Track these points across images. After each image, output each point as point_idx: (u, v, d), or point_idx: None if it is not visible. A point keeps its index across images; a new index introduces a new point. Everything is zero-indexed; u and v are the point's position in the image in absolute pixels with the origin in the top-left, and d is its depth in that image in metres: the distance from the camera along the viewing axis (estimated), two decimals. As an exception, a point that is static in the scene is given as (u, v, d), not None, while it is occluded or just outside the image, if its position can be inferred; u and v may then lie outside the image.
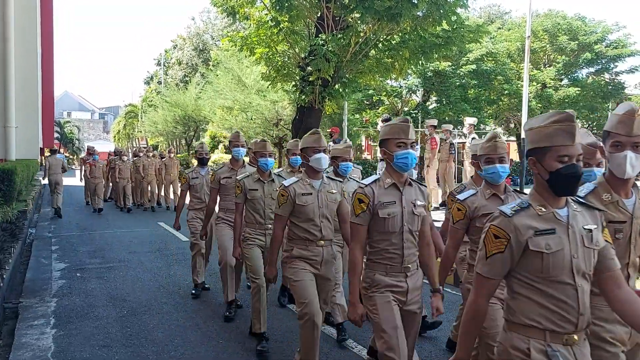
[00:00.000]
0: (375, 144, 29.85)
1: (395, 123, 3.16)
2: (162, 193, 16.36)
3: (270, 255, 4.09)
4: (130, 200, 15.74)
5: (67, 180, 16.09)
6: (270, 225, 4.54)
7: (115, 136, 64.73)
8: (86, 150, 16.14)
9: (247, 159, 10.40)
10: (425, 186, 3.37)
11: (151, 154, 16.64)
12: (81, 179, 15.43)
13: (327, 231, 3.91)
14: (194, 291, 6.39)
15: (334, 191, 3.99)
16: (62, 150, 60.68)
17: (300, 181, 3.95)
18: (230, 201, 5.46)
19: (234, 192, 4.96)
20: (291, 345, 4.70)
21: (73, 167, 58.33)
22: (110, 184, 17.13)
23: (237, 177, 4.88)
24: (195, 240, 6.43)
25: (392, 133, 3.10)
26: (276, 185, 4.65)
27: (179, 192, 15.10)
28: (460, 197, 3.49)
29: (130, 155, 18.81)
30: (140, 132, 46.72)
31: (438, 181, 11.89)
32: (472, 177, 4.30)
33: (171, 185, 15.72)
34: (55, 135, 49.45)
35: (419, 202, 3.16)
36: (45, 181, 16.51)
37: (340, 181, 4.18)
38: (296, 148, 5.53)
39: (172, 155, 16.44)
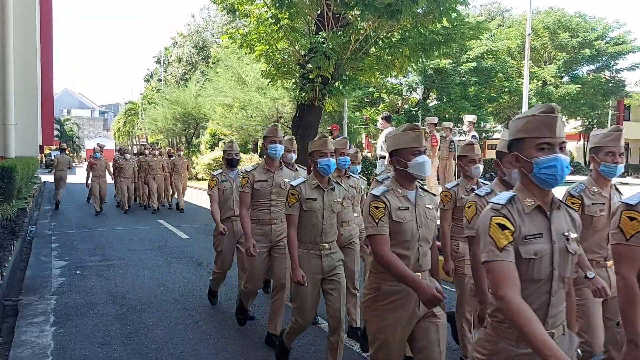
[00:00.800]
0: (375, 141, 29.83)
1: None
2: (169, 193, 15.65)
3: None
4: (131, 201, 15.13)
5: (68, 178, 16.01)
6: (327, 245, 3.94)
7: (115, 134, 64.77)
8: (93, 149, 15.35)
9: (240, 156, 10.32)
10: (435, 194, 3.28)
11: (158, 152, 15.80)
12: (87, 185, 14.51)
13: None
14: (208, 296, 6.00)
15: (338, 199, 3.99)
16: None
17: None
18: (263, 210, 4.72)
19: (268, 198, 4.60)
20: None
21: (74, 164, 58.40)
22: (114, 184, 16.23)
23: (292, 183, 3.97)
24: (221, 269, 5.76)
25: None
26: (338, 194, 3.98)
27: (180, 191, 14.80)
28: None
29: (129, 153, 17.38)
30: (140, 129, 46.68)
31: (438, 179, 11.88)
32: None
33: (180, 186, 14.94)
34: (55, 132, 49.44)
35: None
36: (51, 177, 16.76)
37: (344, 188, 4.24)
38: (344, 147, 5.04)
39: (181, 153, 15.65)
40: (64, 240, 10.09)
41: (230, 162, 5.86)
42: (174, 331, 5.06)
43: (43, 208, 15.72)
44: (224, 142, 27.20)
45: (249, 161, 21.14)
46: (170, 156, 15.75)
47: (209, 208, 5.77)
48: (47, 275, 7.30)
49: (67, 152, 17.57)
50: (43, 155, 43.23)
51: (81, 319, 5.38)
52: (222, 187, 5.68)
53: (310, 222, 3.87)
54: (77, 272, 7.51)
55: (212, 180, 5.70)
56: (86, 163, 17.44)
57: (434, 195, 3.23)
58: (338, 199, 3.96)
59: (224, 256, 5.69)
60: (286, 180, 4.61)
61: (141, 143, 45.93)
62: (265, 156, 4.75)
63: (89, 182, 14.22)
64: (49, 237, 10.44)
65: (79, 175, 35.73)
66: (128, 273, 7.45)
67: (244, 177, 4.66)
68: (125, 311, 5.68)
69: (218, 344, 4.75)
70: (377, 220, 2.85)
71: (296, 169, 4.99)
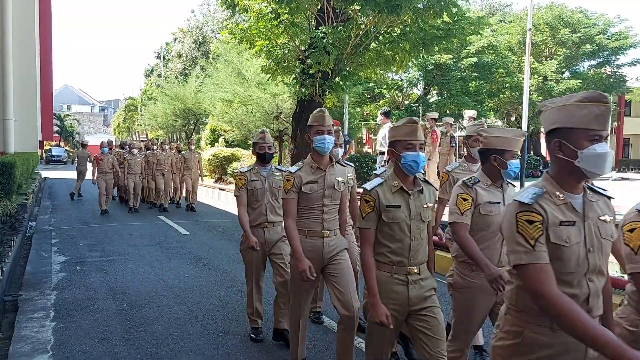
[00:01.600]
0: (375, 137, 29.83)
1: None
2: (179, 191, 14.90)
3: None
4: (139, 200, 14.14)
5: (65, 174, 16.04)
6: (416, 269, 3.03)
7: (115, 129, 64.71)
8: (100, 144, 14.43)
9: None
10: (436, 188, 3.31)
11: (167, 147, 14.90)
12: (93, 182, 13.64)
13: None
14: (253, 335, 4.76)
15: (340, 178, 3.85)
16: (62, 144, 60.70)
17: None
18: (314, 219, 3.80)
19: (319, 204, 3.77)
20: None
21: (74, 160, 58.37)
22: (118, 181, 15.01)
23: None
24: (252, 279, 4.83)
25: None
26: (425, 199, 3.07)
27: (191, 188, 13.97)
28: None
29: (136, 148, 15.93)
30: (140, 125, 46.65)
31: (439, 174, 11.87)
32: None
33: (191, 182, 14.07)
34: (55, 128, 49.47)
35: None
36: (50, 172, 17.25)
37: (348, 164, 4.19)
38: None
39: (192, 147, 14.78)
40: (64, 236, 10.08)
41: (263, 156, 4.76)
42: (174, 326, 5.05)
43: (43, 204, 15.71)
44: (224, 139, 27.17)
45: (248, 157, 21.12)
46: (179, 151, 14.90)
47: (235, 213, 4.83)
48: (47, 270, 7.30)
49: (65, 147, 17.68)
50: (43, 150, 43.24)
51: (81, 314, 5.38)
52: (252, 187, 4.66)
53: (394, 238, 2.97)
54: (77, 267, 7.51)
55: (240, 178, 4.71)
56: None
57: (435, 189, 3.23)
58: (428, 203, 3.08)
59: (255, 271, 4.80)
60: (339, 179, 3.83)
61: (141, 139, 45.94)
62: (311, 151, 3.85)
63: (95, 178, 13.56)
64: (49, 233, 10.44)
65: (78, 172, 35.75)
66: (128, 268, 7.44)
67: (288, 180, 3.77)
68: (125, 306, 5.68)
69: (218, 339, 4.75)
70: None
71: (345, 165, 4.19)
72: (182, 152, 14.50)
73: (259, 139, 4.80)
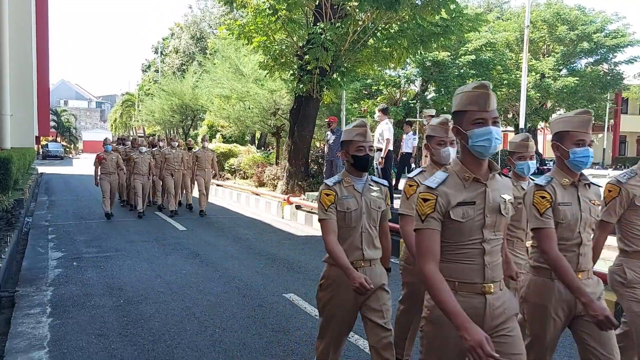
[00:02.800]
0: (372, 134, 29.81)
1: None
2: (190, 192, 13.51)
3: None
4: (145, 202, 12.69)
5: (62, 169, 15.91)
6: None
7: (112, 125, 64.53)
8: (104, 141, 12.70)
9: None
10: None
11: (176, 144, 13.13)
12: (96, 184, 12.22)
13: None
14: None
15: None
16: (58, 139, 60.52)
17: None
18: (469, 263, 2.34)
19: (477, 238, 2.32)
20: None
21: (70, 156, 58.22)
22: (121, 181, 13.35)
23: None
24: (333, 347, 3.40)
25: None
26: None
27: (204, 191, 12.51)
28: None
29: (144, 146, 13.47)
30: (138, 121, 46.54)
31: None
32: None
33: (204, 184, 12.66)
34: (52, 123, 49.32)
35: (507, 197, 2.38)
36: (47, 168, 16.56)
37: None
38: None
39: (206, 144, 13.21)
40: (61, 232, 10.06)
41: (361, 162, 3.18)
42: (171, 323, 5.05)
43: (40, 199, 15.68)
44: (221, 135, 27.13)
45: (246, 153, 21.08)
46: (189, 148, 13.53)
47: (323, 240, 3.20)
48: (44, 266, 7.28)
49: (62, 142, 17.10)
50: (39, 146, 43.12)
51: (78, 311, 5.37)
52: (345, 207, 3.16)
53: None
54: (74, 263, 7.49)
55: (327, 194, 3.16)
56: (82, 155, 17.15)
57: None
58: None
59: (339, 329, 3.32)
60: (506, 197, 2.39)
61: (139, 134, 45.86)
62: (460, 152, 2.43)
63: (98, 179, 12.06)
64: (45, 229, 10.41)
65: (75, 167, 35.73)
66: (125, 265, 7.43)
67: (425, 200, 2.29)
68: (122, 303, 5.67)
69: (215, 335, 4.75)
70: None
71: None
72: (195, 150, 13.11)
73: (355, 136, 3.18)
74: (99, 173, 12.04)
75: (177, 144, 13.15)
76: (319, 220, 3.21)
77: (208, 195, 13.00)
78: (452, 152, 3.40)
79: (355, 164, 3.22)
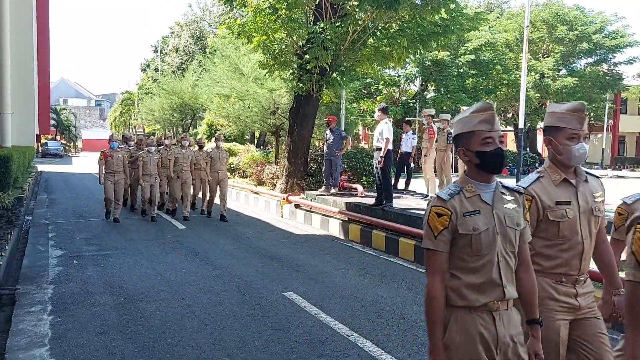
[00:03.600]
0: (372, 133, 29.86)
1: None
2: (201, 195, 12.40)
3: None
4: (156, 206, 11.64)
5: (62, 168, 15.86)
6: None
7: (111, 123, 64.51)
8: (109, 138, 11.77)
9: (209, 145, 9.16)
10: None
11: (187, 143, 12.02)
12: (101, 182, 11.15)
13: None
14: None
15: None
16: (58, 138, 60.49)
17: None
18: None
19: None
20: None
21: (70, 154, 58.20)
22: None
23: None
24: None
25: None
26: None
27: (224, 195, 11.65)
28: None
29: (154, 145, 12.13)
30: (137, 119, 46.55)
31: (435, 170, 11.89)
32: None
33: (216, 187, 11.82)
34: (52, 122, 49.28)
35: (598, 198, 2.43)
36: (47, 166, 16.37)
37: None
38: None
39: (220, 143, 12.02)
40: (61, 230, 10.08)
41: (489, 159, 2.27)
42: (171, 321, 5.08)
43: (39, 197, 15.69)
44: (222, 133, 27.13)
45: (245, 152, 21.11)
46: (200, 147, 12.31)
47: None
48: (44, 264, 7.30)
49: (61, 140, 16.85)
50: (39, 144, 43.12)
51: (78, 308, 5.40)
52: (469, 228, 2.22)
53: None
54: (74, 261, 7.52)
55: (441, 213, 2.24)
56: (82, 153, 17.09)
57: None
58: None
59: None
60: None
61: (138, 133, 45.84)
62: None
63: (102, 180, 11.09)
64: (45, 227, 10.43)
65: (75, 165, 35.72)
66: (125, 263, 7.46)
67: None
68: (123, 301, 5.69)
69: (215, 333, 4.77)
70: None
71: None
72: (208, 151, 12.02)
73: (478, 124, 2.27)
74: (103, 172, 11.07)
75: (188, 143, 12.01)
76: (423, 248, 2.28)
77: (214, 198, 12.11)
78: (586, 148, 2.66)
79: (483, 163, 2.24)
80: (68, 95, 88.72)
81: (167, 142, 12.51)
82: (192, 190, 12.16)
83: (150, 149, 11.46)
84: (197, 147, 12.37)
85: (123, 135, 13.05)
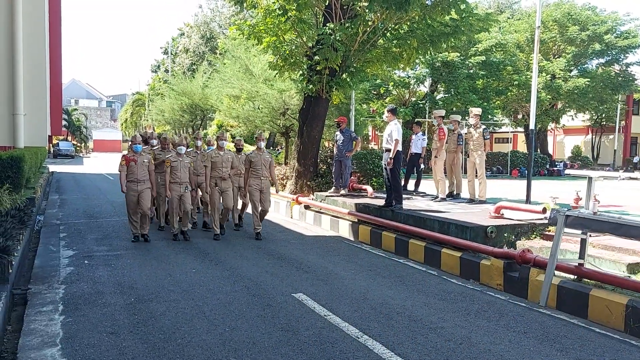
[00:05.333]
0: (381, 134, 29.81)
1: None
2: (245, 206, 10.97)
3: None
4: (190, 218, 9.92)
5: (73, 168, 15.97)
6: None
7: (122, 124, 64.94)
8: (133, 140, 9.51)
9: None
10: None
11: (225, 144, 9.94)
12: (123, 190, 8.99)
13: None
14: None
15: None
16: (69, 138, 60.94)
17: None
18: None
19: None
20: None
21: (81, 154, 58.62)
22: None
23: None
24: None
25: None
26: None
27: (266, 206, 9.77)
28: None
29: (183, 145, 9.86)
30: (147, 120, 46.82)
31: (445, 172, 11.85)
32: None
33: (258, 196, 9.70)
34: (63, 123, 49.67)
35: None
36: (59, 167, 16.43)
37: None
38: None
39: (262, 144, 9.97)
40: (72, 230, 10.16)
41: None
42: (181, 321, 5.09)
43: (51, 198, 15.82)
44: (231, 135, 27.17)
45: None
46: (239, 149, 10.38)
47: None
48: (56, 264, 7.36)
49: (72, 141, 16.79)
50: (51, 145, 43.48)
51: (89, 308, 5.43)
52: None
53: None
54: (85, 261, 7.57)
55: None
56: (93, 154, 17.14)
57: None
58: None
59: None
60: None
61: (147, 131, 46.01)
62: None
63: (124, 188, 8.97)
64: (57, 227, 10.52)
65: (86, 166, 35.97)
66: (135, 263, 7.50)
67: None
68: (133, 301, 5.72)
69: (225, 334, 4.78)
70: None
71: None
72: (248, 153, 9.94)
73: None
74: (125, 180, 8.96)
75: (225, 143, 9.92)
76: None
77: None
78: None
79: None
80: (79, 96, 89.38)
81: (199, 143, 10.35)
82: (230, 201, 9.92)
83: (180, 150, 9.40)
84: (234, 149, 10.62)
85: (141, 135, 10.97)
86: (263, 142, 10.11)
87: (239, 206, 10.86)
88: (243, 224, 10.95)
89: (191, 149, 10.79)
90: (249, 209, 10.19)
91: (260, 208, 9.75)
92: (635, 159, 36.55)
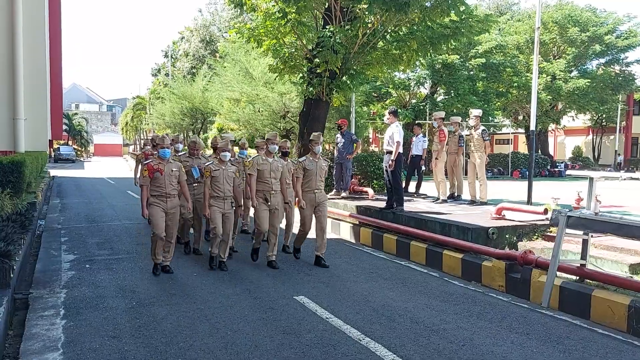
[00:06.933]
0: (382, 136, 29.80)
1: None
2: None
3: None
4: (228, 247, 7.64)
5: (74, 173, 15.98)
6: None
7: (123, 128, 65.01)
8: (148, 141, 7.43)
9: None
10: None
11: (276, 148, 7.73)
12: (144, 214, 7.08)
13: None
14: None
15: None
16: (70, 143, 61.01)
17: None
18: None
19: None
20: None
21: (82, 159, 58.66)
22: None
23: None
24: None
25: None
26: None
27: (324, 225, 7.68)
28: None
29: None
30: (148, 124, 46.86)
31: (446, 173, 11.84)
32: None
33: (313, 215, 7.91)
34: (64, 127, 49.73)
35: None
36: (60, 171, 16.41)
37: None
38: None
39: (318, 149, 7.88)
40: (73, 234, 10.15)
41: None
42: (183, 324, 5.08)
43: (52, 202, 15.81)
44: (236, 138, 27.20)
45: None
46: (285, 154, 8.14)
47: None
48: (57, 268, 7.36)
49: (73, 145, 16.82)
50: (52, 149, 43.53)
51: (91, 312, 5.43)
52: None
53: None
54: (87, 265, 7.56)
55: None
56: (94, 158, 17.13)
57: None
58: None
59: None
60: None
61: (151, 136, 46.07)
62: None
63: (146, 210, 7.00)
64: (58, 231, 10.51)
65: (87, 170, 36.00)
66: (136, 267, 7.49)
67: None
68: (135, 304, 5.71)
69: (227, 337, 4.77)
70: None
71: None
72: (301, 160, 7.95)
73: None
74: (149, 195, 7.00)
75: (276, 148, 7.74)
76: None
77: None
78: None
79: None
80: (80, 100, 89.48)
81: (179, 147, 9.09)
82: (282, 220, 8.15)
83: (224, 156, 7.37)
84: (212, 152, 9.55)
85: (152, 138, 9.48)
86: (319, 145, 7.89)
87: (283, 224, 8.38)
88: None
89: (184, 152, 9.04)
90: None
91: (318, 226, 7.81)
92: (619, 159, 36.55)
